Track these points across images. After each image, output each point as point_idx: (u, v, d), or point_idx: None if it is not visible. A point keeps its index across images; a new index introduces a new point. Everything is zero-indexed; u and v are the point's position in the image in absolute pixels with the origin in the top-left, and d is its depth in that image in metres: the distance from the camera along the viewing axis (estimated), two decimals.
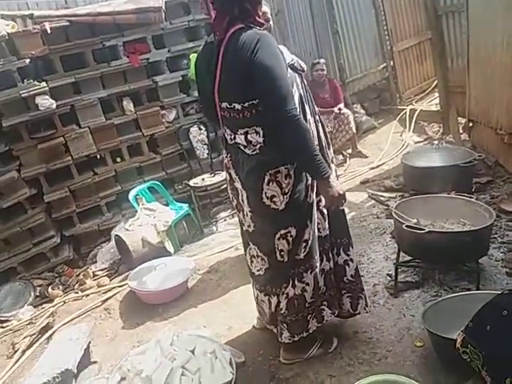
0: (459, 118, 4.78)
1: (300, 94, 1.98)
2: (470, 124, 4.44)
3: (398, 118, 5.80)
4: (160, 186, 4.16)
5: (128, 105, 4.19)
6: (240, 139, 1.89)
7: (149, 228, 3.73)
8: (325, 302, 2.14)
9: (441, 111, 5.14)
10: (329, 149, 2.17)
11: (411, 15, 6.16)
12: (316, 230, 2.04)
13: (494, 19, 3.57)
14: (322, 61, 5.17)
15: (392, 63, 6.14)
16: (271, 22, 2.21)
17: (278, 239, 1.97)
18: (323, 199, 2.02)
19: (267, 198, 1.90)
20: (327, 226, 2.11)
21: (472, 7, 3.99)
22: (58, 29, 3.79)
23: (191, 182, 4.23)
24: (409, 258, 2.64)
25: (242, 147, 1.90)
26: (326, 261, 2.12)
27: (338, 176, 2.39)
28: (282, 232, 1.95)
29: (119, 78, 4.17)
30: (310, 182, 1.96)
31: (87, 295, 3.45)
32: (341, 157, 5.23)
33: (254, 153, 1.87)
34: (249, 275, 2.29)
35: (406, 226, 2.36)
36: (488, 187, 3.60)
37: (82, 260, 4.08)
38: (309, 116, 2.01)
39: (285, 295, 2.07)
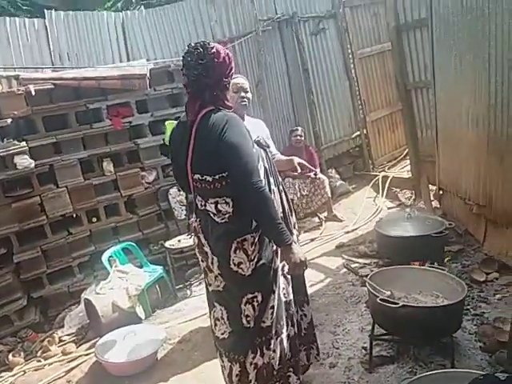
0: (430, 186, 4.98)
1: (265, 167, 2.14)
2: (441, 192, 4.62)
3: (371, 184, 5.99)
4: (135, 247, 4.10)
5: (108, 165, 4.23)
6: (210, 207, 2.00)
7: (120, 292, 3.63)
8: (291, 369, 2.19)
9: (412, 179, 5.34)
10: (291, 215, 2.32)
11: (383, 88, 6.54)
12: (282, 296, 2.13)
13: (459, 99, 3.83)
14: (300, 128, 5.42)
15: (365, 131, 6.44)
16: (249, 94, 2.36)
17: (245, 304, 2.03)
18: (286, 266, 2.11)
19: (234, 264, 1.99)
20: (291, 290, 2.21)
21: (438, 86, 4.28)
22: (43, 91, 3.88)
23: (167, 244, 4.19)
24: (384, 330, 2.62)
25: (211, 215, 2.01)
26: (291, 326, 2.19)
27: (298, 238, 2.53)
28: (249, 296, 2.02)
29: (101, 140, 4.24)
30: (274, 248, 2.06)
31: (50, 364, 3.26)
32: (317, 220, 5.32)
33: (223, 221, 1.98)
34: None
35: (380, 300, 2.37)
36: (459, 256, 3.69)
37: (49, 324, 3.90)
38: (273, 186, 2.17)
39: (253, 365, 2.07)
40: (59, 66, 4.59)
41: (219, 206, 1.98)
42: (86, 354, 3.25)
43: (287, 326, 2.17)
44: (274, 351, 2.09)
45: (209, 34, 5.36)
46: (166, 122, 3.98)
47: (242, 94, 2.36)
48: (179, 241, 4.19)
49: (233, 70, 2.01)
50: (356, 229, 4.86)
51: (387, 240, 3.59)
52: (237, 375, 2.11)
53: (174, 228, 4.51)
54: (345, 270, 3.87)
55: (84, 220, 4.16)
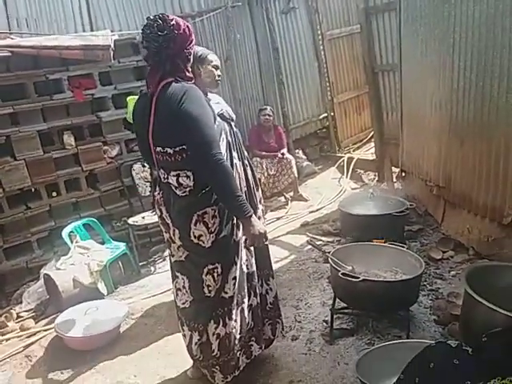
0: (393, 168, 5.11)
1: (228, 141, 2.15)
2: (403, 174, 4.75)
3: (336, 165, 6.09)
4: (96, 223, 4.00)
5: (69, 139, 4.08)
6: (172, 180, 2.03)
7: (81, 267, 3.55)
8: (253, 338, 2.27)
9: (376, 161, 5.46)
10: (257, 190, 2.35)
11: (351, 70, 6.60)
12: (244, 267, 2.18)
13: (423, 82, 3.91)
14: (269, 107, 5.40)
15: (332, 113, 6.50)
16: (218, 71, 2.32)
17: (206, 274, 2.08)
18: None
19: (195, 236, 2.03)
20: (254, 262, 2.27)
21: (404, 69, 4.36)
22: None
23: (130, 220, 4.11)
24: (344, 304, 2.70)
25: (173, 187, 2.04)
26: (254, 296, 2.26)
27: (264, 216, 2.61)
28: (210, 267, 2.07)
29: (61, 112, 4.07)
30: (235, 221, 2.10)
31: (7, 340, 3.17)
32: (283, 199, 5.37)
33: (184, 194, 2.02)
34: None
35: (342, 274, 2.43)
36: (419, 235, 3.82)
37: (6, 300, 3.79)
38: (236, 160, 2.18)
39: (215, 335, 2.12)
40: (17, 31, 4.34)
41: (180, 179, 2.00)
42: (46, 330, 3.17)
43: (249, 296, 2.23)
44: (236, 321, 2.15)
45: (176, 7, 5.21)
46: (128, 98, 3.88)
47: (218, 71, 2.34)
48: (143, 217, 4.13)
49: (193, 42, 2.00)
50: (321, 208, 4.94)
51: (350, 218, 3.68)
52: (196, 343, 2.16)
53: (137, 205, 4.43)
54: (309, 247, 3.94)
55: (43, 194, 4.02)
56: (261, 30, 5.77)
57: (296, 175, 5.35)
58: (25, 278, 3.92)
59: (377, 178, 5.43)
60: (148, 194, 4.42)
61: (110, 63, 4.15)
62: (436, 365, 1.41)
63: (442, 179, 3.74)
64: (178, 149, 1.95)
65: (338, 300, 2.66)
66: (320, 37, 6.25)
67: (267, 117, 5.29)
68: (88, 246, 3.78)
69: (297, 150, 6.12)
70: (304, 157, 6.23)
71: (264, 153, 5.28)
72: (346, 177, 5.68)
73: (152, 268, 4.05)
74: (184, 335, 2.25)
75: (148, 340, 2.90)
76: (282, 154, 5.27)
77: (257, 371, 2.40)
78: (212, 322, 2.12)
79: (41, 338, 3.09)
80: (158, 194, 2.13)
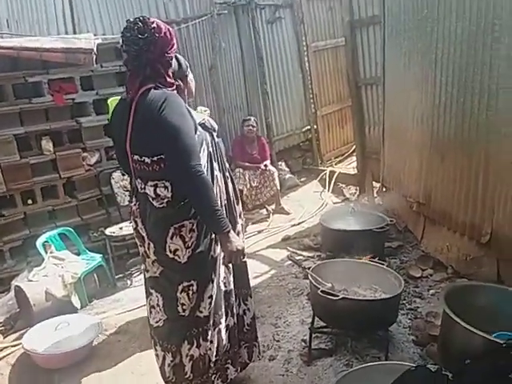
0: (374, 183, 5.12)
1: (209, 152, 2.07)
2: (384, 189, 4.76)
3: (318, 178, 6.09)
4: (72, 232, 3.89)
5: (47, 144, 3.97)
6: (149, 191, 1.95)
7: (55, 279, 3.44)
8: (229, 360, 2.18)
9: (358, 175, 5.47)
10: (237, 204, 2.27)
11: (335, 83, 6.64)
12: (222, 285, 2.10)
13: (406, 97, 3.93)
14: (253, 118, 5.36)
15: (315, 126, 6.51)
16: (193, 86, 2.23)
17: (181, 292, 1.99)
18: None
19: (170, 251, 1.95)
20: (232, 279, 2.18)
21: (387, 83, 4.39)
22: None
23: (107, 231, 4.01)
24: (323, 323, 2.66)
25: (150, 198, 1.96)
26: (231, 316, 2.18)
27: (244, 231, 2.51)
28: (185, 284, 1.99)
29: (40, 116, 3.97)
30: (213, 236, 2.01)
31: None
32: (265, 212, 5.33)
33: (161, 206, 1.94)
34: None
35: (321, 292, 2.39)
36: (398, 252, 3.83)
37: None
38: (216, 172, 2.10)
39: (189, 357, 2.04)
40: None
41: (158, 189, 1.93)
42: (14, 345, 3.04)
43: (226, 316, 2.15)
44: (211, 342, 2.06)
45: (162, 12, 5.15)
46: (109, 100, 3.80)
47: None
48: (121, 228, 4.03)
49: (175, 46, 1.93)
50: (302, 222, 4.92)
51: (330, 233, 3.66)
52: (169, 365, 2.07)
53: (115, 214, 4.33)
54: (289, 262, 3.91)
55: (18, 201, 3.91)
56: (246, 39, 5.76)
57: (278, 187, 5.32)
58: None
59: (358, 193, 5.44)
60: (127, 203, 4.32)
61: (92, 67, 4.07)
62: None
63: (422, 195, 3.75)
64: (155, 158, 1.88)
65: (317, 318, 2.62)
66: (305, 48, 6.28)
67: (251, 127, 5.26)
68: (63, 257, 3.68)
69: (280, 162, 6.11)
70: (287, 169, 6.21)
71: (247, 164, 5.24)
72: (328, 190, 5.68)
73: (128, 281, 3.95)
74: (157, 355, 2.15)
75: (121, 358, 2.80)
76: (265, 165, 5.24)
77: None
78: (186, 342, 2.03)
79: (8, 355, 2.96)
80: (135, 204, 2.05)
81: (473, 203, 3.11)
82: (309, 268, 2.92)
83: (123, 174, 4.33)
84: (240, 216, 2.30)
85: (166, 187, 1.92)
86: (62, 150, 4.07)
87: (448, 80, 3.26)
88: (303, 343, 2.69)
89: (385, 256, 3.58)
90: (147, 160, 1.89)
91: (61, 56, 3.85)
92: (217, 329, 2.09)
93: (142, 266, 2.17)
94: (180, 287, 1.99)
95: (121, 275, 3.99)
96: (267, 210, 5.34)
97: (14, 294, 3.49)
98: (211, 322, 2.05)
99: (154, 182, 1.93)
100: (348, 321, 2.42)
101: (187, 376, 2.06)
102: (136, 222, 2.04)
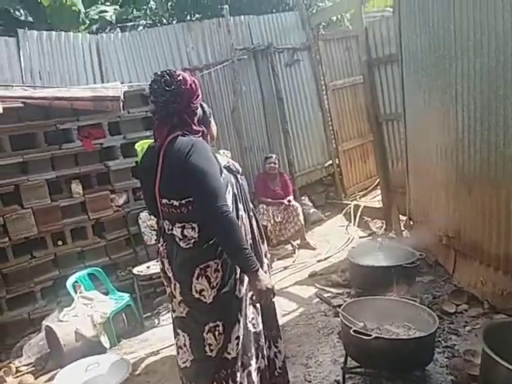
0: (401, 216, 5.06)
1: (234, 193, 2.13)
2: (411, 222, 4.69)
3: (343, 212, 6.05)
4: (101, 272, 3.95)
5: (77, 187, 4.11)
6: (177, 232, 2.01)
7: (84, 319, 3.47)
8: None
9: (383, 208, 5.42)
10: (262, 243, 2.29)
11: (355, 119, 6.70)
12: (250, 326, 2.09)
13: (428, 132, 3.94)
14: (274, 156, 5.46)
15: (337, 161, 6.54)
16: (214, 131, 2.31)
17: (207, 332, 2.00)
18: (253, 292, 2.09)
19: (196, 291, 1.98)
20: (261, 320, 2.17)
21: (409, 119, 4.41)
22: (11, 109, 3.76)
23: (135, 270, 4.05)
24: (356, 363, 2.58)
25: (177, 239, 2.01)
26: (261, 358, 2.15)
27: (271, 267, 2.50)
28: (211, 325, 1.99)
29: (70, 161, 4.13)
30: (237, 276, 2.03)
31: None
32: (290, 247, 5.30)
33: (188, 246, 1.98)
34: None
35: (353, 331, 2.34)
36: (430, 287, 3.72)
37: (5, 353, 3.68)
38: (241, 212, 2.15)
39: None
40: (30, 84, 4.48)
41: (185, 230, 1.98)
42: None
43: (257, 358, 2.12)
44: None
45: (185, 59, 5.40)
46: (137, 144, 3.94)
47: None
48: (148, 267, 4.07)
49: (200, 96, 2.04)
50: (329, 257, 4.86)
51: (359, 269, 3.60)
52: None
53: (143, 253, 4.39)
54: (317, 299, 3.84)
55: (49, 243, 4.00)
56: (266, 82, 5.94)
57: (303, 222, 5.31)
58: (26, 329, 3.83)
59: (384, 226, 5.37)
60: (154, 242, 4.39)
61: (120, 113, 4.24)
62: None
63: (451, 229, 3.68)
64: (184, 201, 1.95)
65: (349, 358, 2.55)
66: (324, 87, 6.41)
67: (272, 164, 5.34)
68: (92, 297, 3.71)
69: (303, 197, 6.12)
70: (310, 204, 6.21)
71: (270, 200, 5.28)
72: (354, 224, 5.62)
73: (156, 320, 3.94)
74: None
75: None
76: (289, 201, 5.27)
77: None
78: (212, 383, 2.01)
79: None
80: (162, 245, 2.10)
81: (505, 236, 3.03)
82: (339, 306, 2.87)
83: (149, 214, 4.41)
84: (266, 255, 2.32)
85: (193, 228, 1.97)
86: (91, 193, 4.20)
87: (470, 115, 3.27)
88: None
89: (416, 291, 3.48)
90: (175, 203, 1.96)
91: (90, 104, 4.04)
92: (246, 371, 2.06)
93: (170, 306, 2.19)
94: (206, 328, 2.00)
95: (148, 314, 3.99)
96: (292, 245, 5.31)
97: (45, 335, 3.53)
98: (239, 363, 2.03)
99: (181, 224, 1.99)
100: (382, 361, 2.35)
101: None
102: (163, 262, 2.09)
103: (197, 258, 1.97)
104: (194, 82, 2.00)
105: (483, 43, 3.02)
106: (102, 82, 4.86)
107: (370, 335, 2.30)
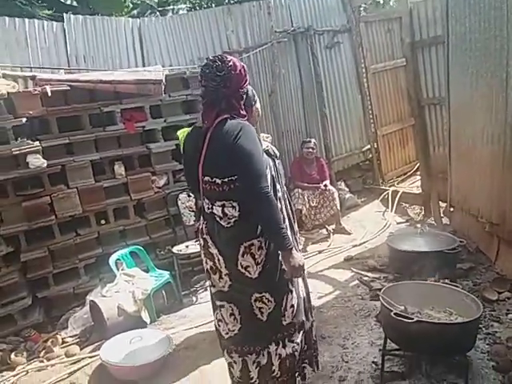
0: (440, 203, 4.95)
1: (272, 175, 2.20)
2: (451, 209, 4.59)
3: (380, 198, 5.97)
4: (142, 250, 4.08)
5: (119, 169, 4.23)
6: (217, 210, 2.09)
7: (126, 295, 3.60)
8: (306, 360, 2.31)
9: (422, 194, 5.32)
10: (294, 223, 2.37)
11: (395, 103, 6.56)
12: (301, 293, 2.24)
13: (474, 116, 3.82)
14: (313, 140, 5.40)
15: (376, 145, 6.43)
16: (258, 114, 2.37)
17: (255, 301, 2.12)
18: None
19: (242, 267, 2.08)
20: (303, 288, 2.31)
21: (453, 102, 4.28)
22: (58, 92, 3.89)
23: (174, 249, 4.17)
24: (395, 345, 2.58)
25: (217, 218, 2.09)
26: (306, 320, 2.29)
27: (302, 248, 2.57)
28: (256, 295, 2.11)
29: (113, 143, 4.24)
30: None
31: (53, 365, 3.22)
32: (325, 231, 5.29)
33: (229, 225, 2.07)
34: None
35: (394, 314, 2.34)
36: (470, 274, 3.65)
37: (52, 324, 3.86)
38: (279, 194, 2.23)
39: (277, 356, 2.16)
40: (75, 67, 4.61)
41: (225, 209, 2.06)
42: (91, 357, 3.20)
43: (307, 319, 2.26)
44: (298, 344, 2.20)
45: (224, 43, 5.40)
46: (179, 132, 4.01)
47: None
48: (187, 246, 4.17)
49: (248, 81, 2.12)
50: (364, 242, 4.83)
51: (398, 254, 3.57)
52: (254, 365, 2.17)
53: (181, 233, 4.49)
54: (354, 283, 3.83)
55: (92, 222, 4.15)
56: (305, 65, 5.87)
57: (338, 207, 5.28)
58: (71, 303, 4.00)
59: (423, 213, 5.27)
60: (192, 223, 4.48)
61: (161, 97, 4.32)
62: None
63: (496, 216, 3.58)
64: (226, 179, 2.03)
65: (388, 340, 2.54)
66: (364, 70, 6.28)
67: (311, 150, 5.30)
68: (133, 274, 3.84)
69: (339, 182, 6.07)
70: (346, 189, 6.15)
71: (306, 184, 5.26)
72: (391, 210, 5.54)
73: (194, 298, 4.05)
74: (233, 362, 2.23)
75: (191, 373, 2.86)
76: (325, 185, 5.23)
77: None
78: (273, 344, 2.16)
79: (85, 366, 3.11)
80: (203, 223, 2.19)
81: None
82: (378, 290, 2.85)
83: (189, 196, 4.50)
84: (296, 234, 2.40)
85: (233, 207, 2.06)
86: (133, 174, 4.31)
87: None
88: (374, 365, 2.62)
89: (456, 278, 3.42)
90: (218, 181, 2.04)
91: (133, 87, 4.13)
92: (301, 331, 2.22)
93: (207, 283, 2.28)
94: (253, 297, 2.11)
95: (186, 292, 4.11)
96: (327, 229, 5.30)
97: (89, 309, 3.68)
98: (296, 326, 2.19)
99: (221, 202, 2.07)
100: (423, 344, 2.33)
101: (274, 374, 2.17)
102: (205, 239, 2.18)
103: (240, 237, 2.06)
104: (243, 67, 2.08)
105: None
106: (143, 66, 4.94)
107: (412, 318, 2.28)
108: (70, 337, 3.63)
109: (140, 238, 4.35)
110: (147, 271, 4.05)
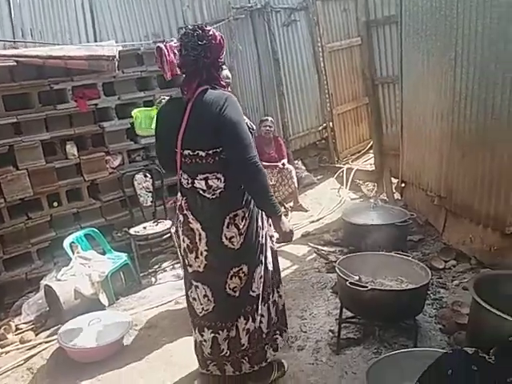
0: (392, 179, 5.14)
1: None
2: (403, 184, 4.77)
3: (335, 176, 6.12)
4: (98, 233, 3.99)
5: (71, 149, 4.08)
6: (200, 184, 2.08)
7: (83, 278, 3.52)
8: (277, 331, 2.36)
9: (375, 171, 5.49)
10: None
11: (350, 82, 6.67)
12: (269, 266, 2.28)
13: (425, 94, 3.96)
14: (270, 119, 5.43)
15: (331, 124, 6.55)
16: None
17: (231, 278, 2.14)
18: (274, 237, 2.32)
19: (226, 238, 2.10)
20: (273, 262, 2.35)
21: (406, 81, 4.40)
22: (4, 68, 3.67)
23: (132, 230, 4.10)
24: (350, 313, 2.69)
25: (201, 191, 2.09)
26: (277, 293, 2.35)
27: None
28: (235, 270, 2.14)
29: (64, 122, 4.08)
30: (260, 223, 2.21)
31: (7, 352, 3.13)
32: (283, 209, 5.36)
33: (214, 197, 2.07)
34: (190, 329, 2.29)
35: (350, 283, 2.43)
36: (420, 245, 3.85)
37: (5, 312, 3.73)
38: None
39: (245, 331, 2.21)
40: (21, 40, 4.36)
41: (210, 181, 2.06)
42: (47, 342, 3.13)
43: (273, 292, 2.32)
44: (263, 316, 2.25)
45: (180, 18, 5.27)
46: (133, 111, 3.91)
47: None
48: (144, 228, 4.12)
49: (225, 52, 2.11)
50: (321, 218, 4.96)
51: (353, 228, 3.70)
52: (225, 340, 2.21)
53: (138, 215, 4.40)
54: (311, 257, 3.95)
55: (44, 204, 4.00)
56: (262, 42, 5.84)
57: (296, 185, 5.37)
58: (24, 289, 3.87)
59: (376, 189, 5.46)
60: (149, 203, 4.42)
61: (115, 74, 4.17)
62: (454, 371, 1.41)
63: (444, 189, 3.77)
64: (211, 152, 2.02)
65: (344, 310, 2.65)
66: (320, 49, 6.33)
67: (268, 128, 5.32)
68: (89, 257, 3.76)
69: (296, 161, 6.15)
70: (303, 167, 6.25)
71: (264, 163, 5.26)
72: (346, 187, 5.71)
73: (153, 279, 4.02)
74: (204, 341, 2.24)
75: (153, 351, 2.87)
76: (283, 164, 5.30)
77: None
78: (242, 318, 2.20)
79: (42, 350, 3.04)
80: (182, 199, 2.17)
81: (496, 195, 3.12)
82: (335, 262, 2.95)
83: (145, 176, 4.42)
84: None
85: (218, 178, 2.06)
86: (86, 154, 4.17)
87: (469, 77, 3.28)
88: (331, 333, 2.74)
89: (407, 249, 3.60)
90: (202, 153, 2.03)
91: (84, 63, 3.96)
92: (266, 304, 2.27)
93: (180, 263, 2.28)
94: (231, 272, 2.14)
95: (145, 273, 4.07)
96: (285, 207, 5.38)
97: (44, 294, 3.58)
98: (261, 298, 2.23)
99: (204, 175, 2.07)
100: (376, 311, 2.46)
101: (244, 347, 2.22)
102: (185, 215, 2.15)
103: (226, 207, 2.08)
104: (221, 37, 2.08)
105: (486, 3, 3.00)
106: (95, 42, 4.74)
107: (366, 287, 2.39)
108: (25, 323, 3.52)
109: (95, 220, 4.25)
110: (104, 254, 3.97)
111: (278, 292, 2.38)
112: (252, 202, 2.13)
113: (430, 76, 3.82)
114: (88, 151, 4.21)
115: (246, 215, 2.12)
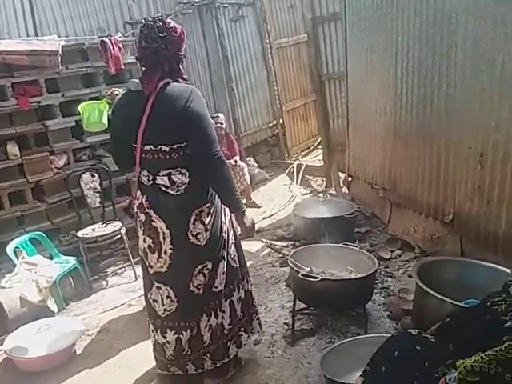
0: (340, 173, 5.31)
1: None
2: (350, 179, 4.94)
3: (286, 172, 6.24)
4: (43, 236, 3.82)
5: (13, 148, 3.87)
6: (162, 180, 2.04)
7: (29, 285, 3.37)
8: (242, 328, 2.36)
9: (324, 167, 5.64)
10: None
11: (298, 79, 6.80)
12: (232, 262, 2.28)
13: (369, 89, 4.11)
14: (221, 115, 5.41)
15: (281, 121, 6.65)
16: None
17: (195, 275, 2.13)
18: (237, 232, 2.33)
19: (192, 235, 2.08)
20: (238, 258, 2.36)
21: (351, 77, 4.56)
22: None
23: (79, 233, 3.96)
24: (303, 305, 2.77)
25: (163, 188, 2.05)
26: (242, 289, 2.36)
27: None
28: (200, 267, 2.13)
29: (4, 120, 3.87)
30: (223, 218, 2.22)
31: None
32: None
33: (179, 193, 2.05)
34: (146, 332, 2.26)
35: (302, 275, 2.50)
36: (367, 236, 4.01)
37: None
38: None
39: (208, 327, 2.20)
40: None
41: (173, 177, 2.03)
42: None
43: (238, 289, 2.32)
44: (225, 312, 2.25)
45: (126, 13, 5.14)
46: (80, 105, 3.77)
47: None
48: (93, 230, 4.00)
49: (185, 45, 2.09)
50: (273, 214, 5.04)
51: (304, 222, 3.80)
52: (187, 340, 2.18)
53: (86, 217, 4.25)
54: (264, 252, 4.01)
55: None
56: (211, 38, 5.82)
57: (249, 182, 5.42)
58: None
59: (325, 184, 5.62)
60: (98, 204, 4.28)
61: (58, 70, 4.00)
62: (400, 352, 1.49)
63: (388, 182, 3.94)
64: (175, 146, 1.98)
65: (297, 302, 2.72)
66: (268, 45, 6.40)
67: (219, 125, 5.29)
68: (35, 262, 3.60)
69: (248, 158, 6.20)
70: (255, 164, 6.32)
71: None
72: (296, 183, 5.84)
73: (104, 282, 3.92)
74: (167, 342, 2.20)
75: (107, 356, 2.80)
76: (235, 161, 5.31)
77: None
78: (204, 315, 2.19)
79: None
80: (142, 197, 2.11)
81: (436, 186, 3.31)
82: (287, 255, 3.01)
83: (93, 176, 4.28)
84: None
85: (182, 174, 2.03)
86: (29, 154, 3.98)
87: (408, 72, 3.45)
88: (285, 326, 2.80)
89: (355, 241, 3.74)
90: (165, 148, 1.99)
91: (25, 58, 3.77)
92: (228, 300, 2.27)
93: (144, 262, 2.21)
94: (196, 270, 2.12)
95: (96, 277, 3.95)
96: None
97: None
98: (224, 294, 2.23)
99: (167, 171, 2.03)
100: (328, 300, 2.55)
101: (206, 344, 2.21)
102: (147, 213, 2.09)
103: (191, 204, 2.06)
104: (182, 30, 2.06)
105: (422, 1, 3.16)
106: (36, 36, 4.52)
107: (317, 277, 2.47)
108: None
109: (41, 224, 4.05)
110: (51, 258, 3.82)
111: (243, 288, 2.37)
112: (216, 197, 2.13)
113: (374, 72, 3.98)
114: (31, 151, 4.02)
115: (211, 211, 2.11)
